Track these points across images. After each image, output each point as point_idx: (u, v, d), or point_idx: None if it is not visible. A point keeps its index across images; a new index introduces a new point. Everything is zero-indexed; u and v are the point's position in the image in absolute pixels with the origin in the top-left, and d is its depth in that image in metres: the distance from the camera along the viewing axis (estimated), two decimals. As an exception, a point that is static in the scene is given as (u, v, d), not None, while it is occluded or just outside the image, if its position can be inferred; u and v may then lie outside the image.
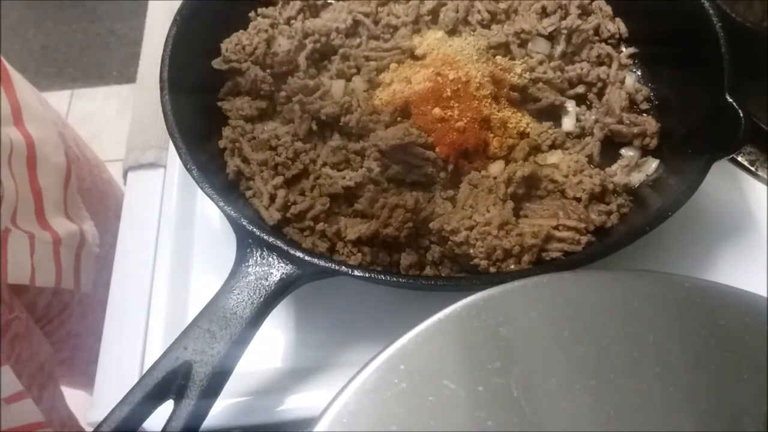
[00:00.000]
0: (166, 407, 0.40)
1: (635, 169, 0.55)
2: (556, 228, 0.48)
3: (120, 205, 0.60)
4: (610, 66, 0.59)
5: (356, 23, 0.59)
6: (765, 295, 0.32)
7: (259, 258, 0.44)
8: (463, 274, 0.48)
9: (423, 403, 0.29)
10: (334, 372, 0.49)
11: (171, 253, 0.55)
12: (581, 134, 0.56)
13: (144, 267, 0.55)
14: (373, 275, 0.44)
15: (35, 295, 0.64)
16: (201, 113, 0.54)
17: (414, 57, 0.58)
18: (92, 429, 0.39)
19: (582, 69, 0.58)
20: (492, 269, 0.46)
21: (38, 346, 0.63)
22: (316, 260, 0.43)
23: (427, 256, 0.49)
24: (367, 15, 0.60)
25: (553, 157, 0.54)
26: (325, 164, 0.52)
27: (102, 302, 0.54)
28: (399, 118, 0.54)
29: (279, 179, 0.51)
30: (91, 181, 0.76)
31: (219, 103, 0.56)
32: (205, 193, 0.46)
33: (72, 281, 0.65)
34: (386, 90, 0.56)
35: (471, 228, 0.47)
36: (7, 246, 0.56)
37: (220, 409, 0.46)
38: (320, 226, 0.49)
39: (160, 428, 0.38)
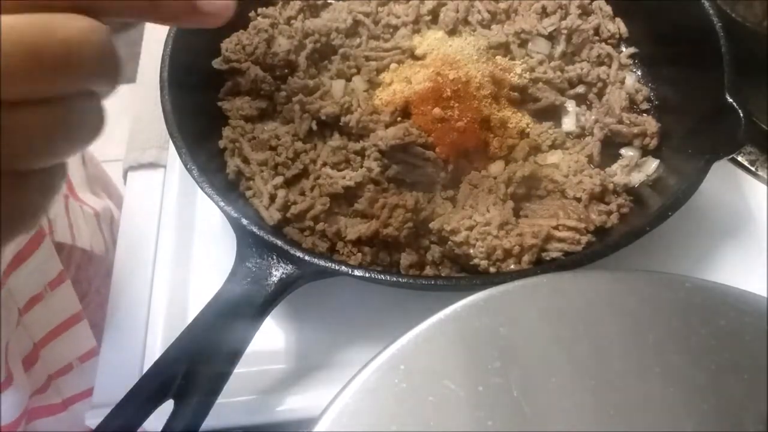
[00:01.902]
0: (166, 407, 0.40)
1: (635, 169, 0.55)
2: (556, 228, 0.48)
3: (117, 195, 0.60)
4: (610, 66, 0.59)
5: (356, 23, 0.59)
6: (765, 295, 0.32)
7: (259, 258, 0.44)
8: (463, 274, 0.48)
9: (423, 403, 0.29)
10: (334, 372, 0.49)
11: (171, 253, 0.55)
12: (581, 134, 0.56)
13: (144, 267, 0.55)
14: (373, 275, 0.44)
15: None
16: (201, 113, 0.54)
17: (414, 57, 0.58)
18: (92, 429, 0.39)
19: (582, 69, 0.58)
20: (492, 269, 0.46)
21: None
22: (316, 260, 0.43)
23: (427, 256, 0.49)
24: (367, 15, 0.60)
25: (553, 157, 0.54)
26: (325, 164, 0.52)
27: None
28: (399, 118, 0.54)
29: (279, 179, 0.51)
30: (92, 166, 0.77)
31: (219, 103, 0.56)
32: (205, 193, 0.46)
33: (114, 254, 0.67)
34: (386, 90, 0.56)
35: (471, 228, 0.47)
36: (70, 212, 0.58)
37: (220, 409, 0.46)
38: (320, 226, 0.49)
39: (160, 428, 0.38)
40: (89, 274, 0.67)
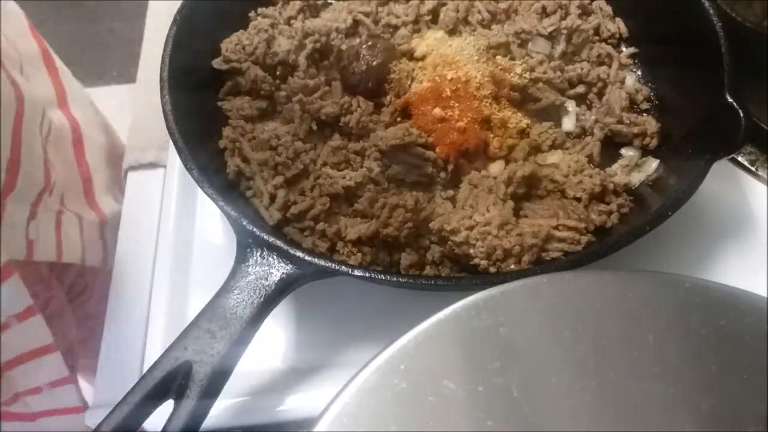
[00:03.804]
0: (166, 407, 0.40)
1: (635, 169, 0.55)
2: (556, 228, 0.48)
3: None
4: (610, 66, 0.59)
5: (356, 23, 0.59)
6: (765, 295, 0.32)
7: (259, 258, 0.44)
8: (463, 274, 0.48)
9: (423, 403, 0.29)
10: (334, 372, 0.49)
11: (171, 253, 0.55)
12: (581, 134, 0.56)
13: (144, 267, 0.55)
14: (373, 275, 0.44)
15: (60, 272, 0.65)
16: (201, 113, 0.54)
17: (413, 58, 0.58)
18: (92, 429, 0.39)
19: (582, 69, 0.58)
20: (492, 269, 0.46)
21: (69, 327, 0.63)
22: (316, 260, 0.43)
23: (427, 256, 0.49)
24: (367, 15, 0.60)
25: (553, 157, 0.54)
26: (325, 164, 0.52)
27: None
28: (399, 118, 0.54)
29: (279, 179, 0.51)
30: (116, 167, 0.77)
31: (219, 103, 0.56)
32: (205, 193, 0.46)
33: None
34: (386, 90, 0.55)
35: (471, 228, 0.47)
36: (62, 227, 0.57)
37: (220, 409, 0.46)
38: (320, 226, 0.49)
39: (160, 428, 0.38)
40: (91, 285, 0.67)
